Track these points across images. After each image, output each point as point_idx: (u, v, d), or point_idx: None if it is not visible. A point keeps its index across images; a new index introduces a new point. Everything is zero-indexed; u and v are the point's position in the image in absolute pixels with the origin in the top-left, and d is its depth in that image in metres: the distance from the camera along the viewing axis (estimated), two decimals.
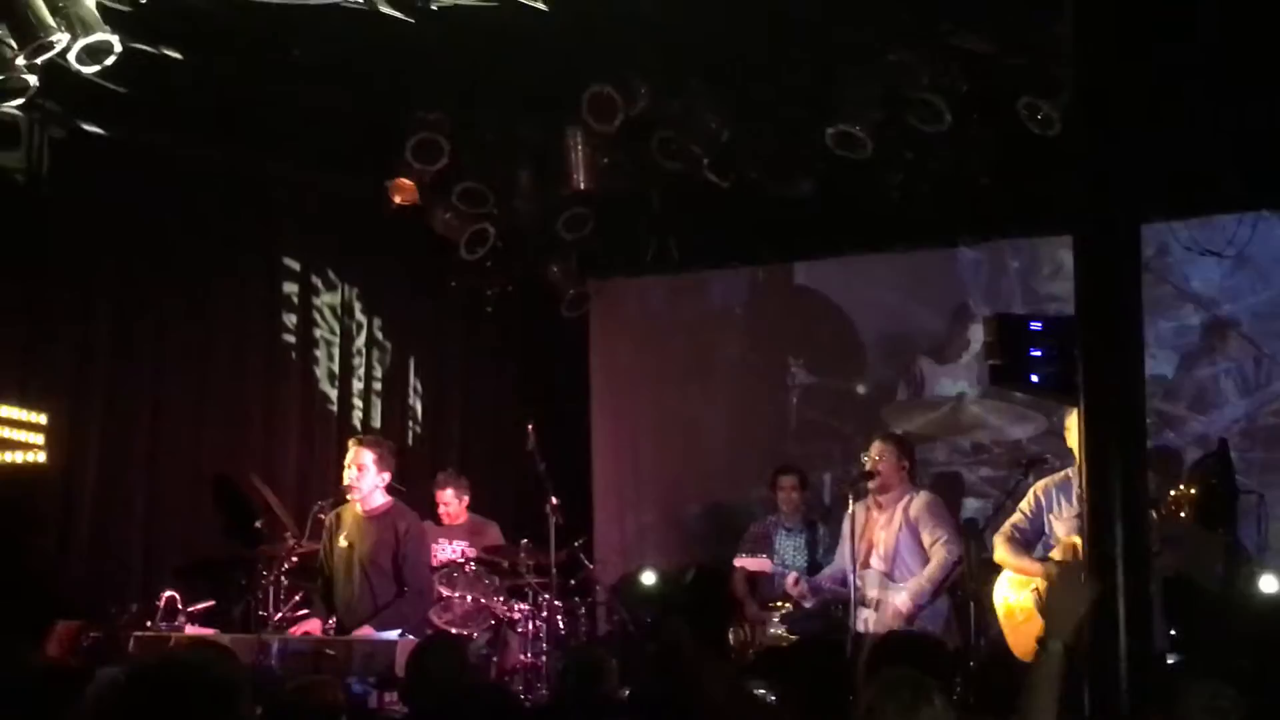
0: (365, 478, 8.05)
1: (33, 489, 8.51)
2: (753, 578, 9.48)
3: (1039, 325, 6.19)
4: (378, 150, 9.59)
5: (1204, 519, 7.86)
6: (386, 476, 8.12)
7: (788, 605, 8.96)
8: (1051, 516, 7.83)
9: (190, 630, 7.85)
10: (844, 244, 10.71)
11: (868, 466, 8.50)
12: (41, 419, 8.40)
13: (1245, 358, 9.56)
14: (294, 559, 8.57)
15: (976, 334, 9.90)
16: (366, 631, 7.75)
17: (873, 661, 5.29)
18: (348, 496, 8.15)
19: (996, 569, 7.97)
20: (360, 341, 10.70)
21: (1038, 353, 6.11)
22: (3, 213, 8.33)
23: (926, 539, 8.32)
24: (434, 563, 9.13)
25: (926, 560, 8.30)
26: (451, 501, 9.89)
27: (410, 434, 10.93)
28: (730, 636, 9.13)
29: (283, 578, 8.51)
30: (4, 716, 4.76)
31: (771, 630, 8.98)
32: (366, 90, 8.97)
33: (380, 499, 8.14)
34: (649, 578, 10.54)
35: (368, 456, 8.06)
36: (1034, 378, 6.17)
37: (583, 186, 9.71)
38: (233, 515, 9.21)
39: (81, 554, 8.85)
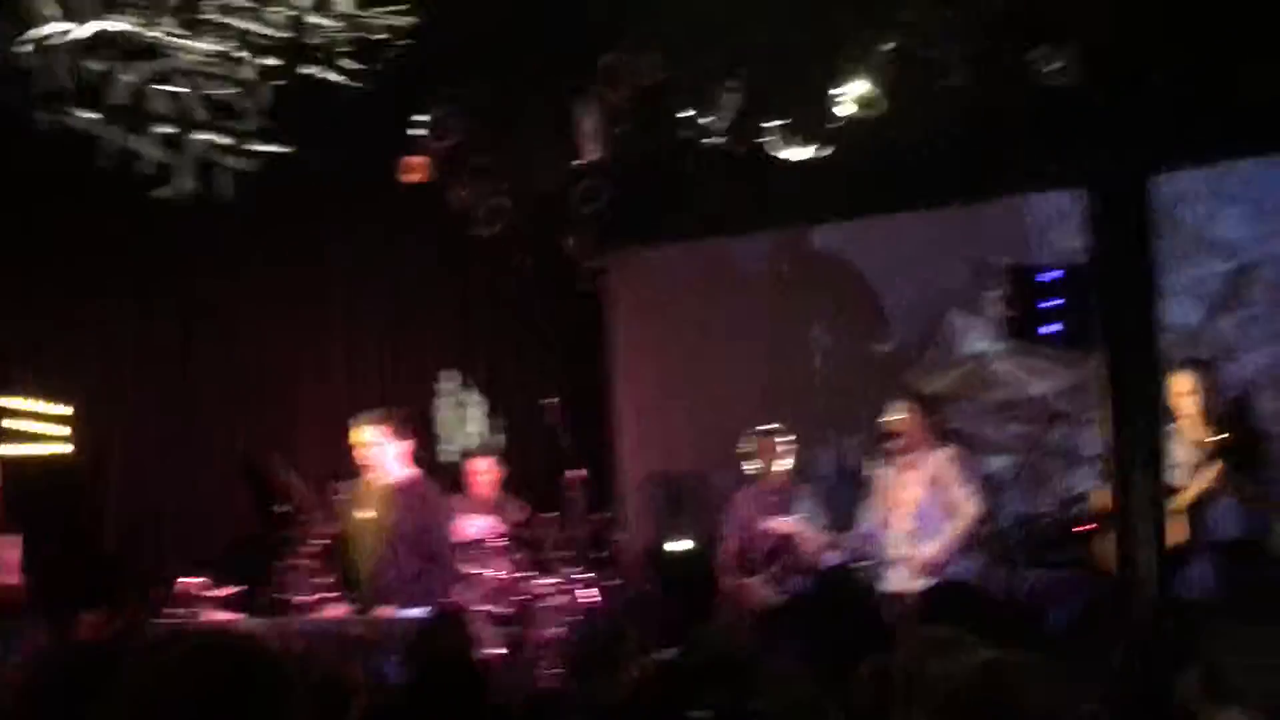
0: (384, 452, 8.01)
1: (60, 478, 8.53)
2: (740, 548, 9.42)
3: (1053, 275, 6.14)
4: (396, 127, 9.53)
5: (1231, 465, 7.80)
6: (406, 444, 8.06)
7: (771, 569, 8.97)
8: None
9: (217, 615, 7.85)
10: (863, 206, 10.64)
11: (891, 428, 8.47)
12: (67, 410, 8.43)
13: (1270, 304, 9.46)
14: (319, 542, 8.57)
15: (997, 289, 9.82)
16: (390, 610, 7.72)
17: (918, 619, 5.26)
18: (367, 477, 8.13)
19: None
20: (385, 323, 10.71)
21: (1053, 303, 6.05)
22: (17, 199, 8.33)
23: (954, 494, 8.27)
24: (461, 538, 9.11)
25: (954, 516, 8.26)
26: (487, 470, 9.85)
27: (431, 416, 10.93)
28: (720, 608, 9.12)
29: (309, 561, 8.50)
30: (40, 693, 4.74)
31: (763, 595, 8.96)
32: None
33: (404, 470, 8.08)
34: (679, 544, 10.51)
35: (381, 431, 8.01)
36: (1050, 328, 6.12)
37: (598, 157, 9.66)
38: (258, 500, 9.22)
39: (107, 542, 8.88)
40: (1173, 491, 7.47)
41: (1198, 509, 7.59)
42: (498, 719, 4.32)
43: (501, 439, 10.78)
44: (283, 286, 10.08)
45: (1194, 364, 8.30)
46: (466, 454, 10.28)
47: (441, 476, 9.31)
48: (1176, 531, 7.73)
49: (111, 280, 9.12)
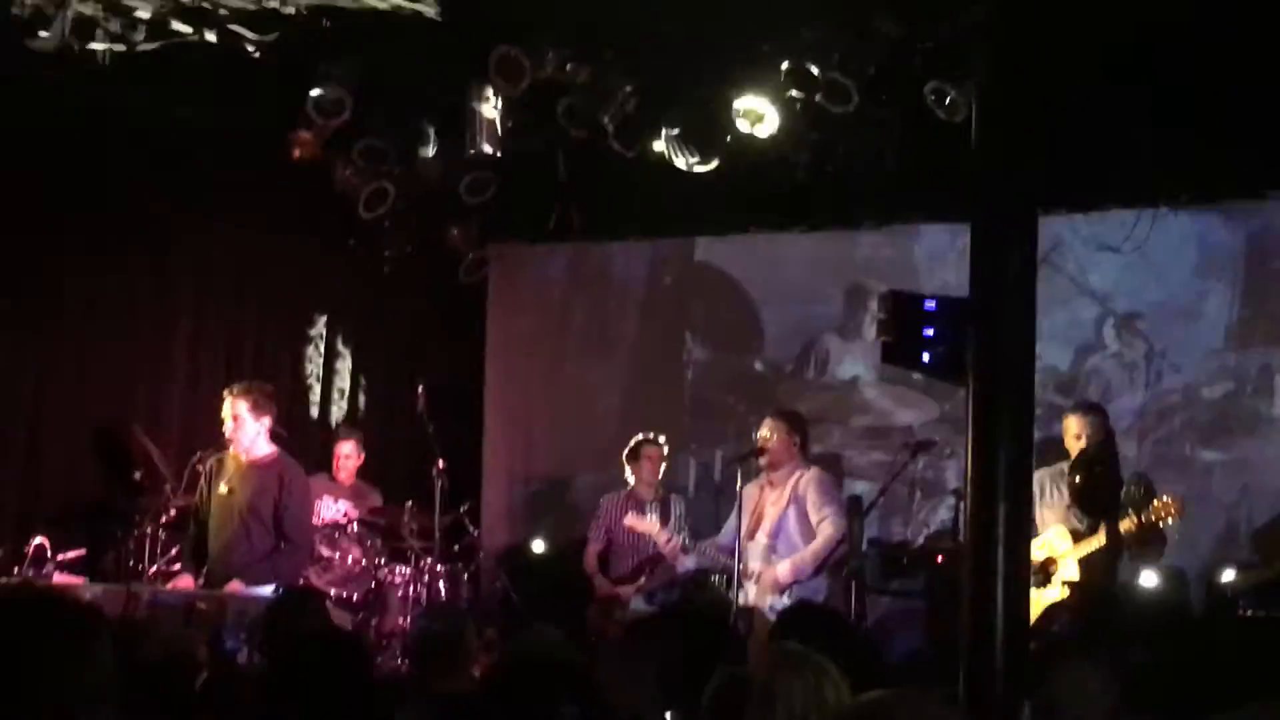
0: (243, 428, 7.87)
1: None
2: (605, 554, 9.46)
3: (932, 305, 6.17)
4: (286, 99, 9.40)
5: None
6: (266, 421, 7.92)
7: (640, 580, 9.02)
8: (1042, 505, 7.95)
9: (58, 578, 7.68)
10: (747, 221, 10.68)
11: (759, 444, 8.50)
12: None
13: (1138, 353, 9.64)
14: (172, 511, 8.42)
15: (874, 315, 9.89)
16: (238, 586, 7.59)
17: (775, 634, 5.27)
18: (230, 449, 8.00)
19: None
20: (255, 294, 10.55)
21: (930, 332, 6.09)
22: None
23: (813, 515, 8.33)
24: (317, 521, 9.00)
25: (812, 537, 8.31)
26: (352, 455, 9.78)
27: (302, 388, 10.78)
28: (588, 615, 9.11)
29: (160, 530, 8.35)
30: None
31: (633, 605, 8.98)
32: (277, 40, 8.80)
33: (264, 447, 7.95)
34: (538, 547, 10.49)
35: (242, 406, 7.86)
36: (925, 357, 6.15)
37: (487, 150, 9.59)
38: (112, 465, 9.04)
39: None
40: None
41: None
42: (359, 695, 4.25)
43: (363, 408, 10.73)
44: (145, 242, 9.85)
45: (1086, 407, 8.49)
46: (333, 431, 10.17)
47: (306, 440, 9.19)
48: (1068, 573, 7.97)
49: None
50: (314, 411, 10.82)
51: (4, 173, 8.80)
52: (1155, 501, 7.86)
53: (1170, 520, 7.83)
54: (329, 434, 10.41)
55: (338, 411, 11.01)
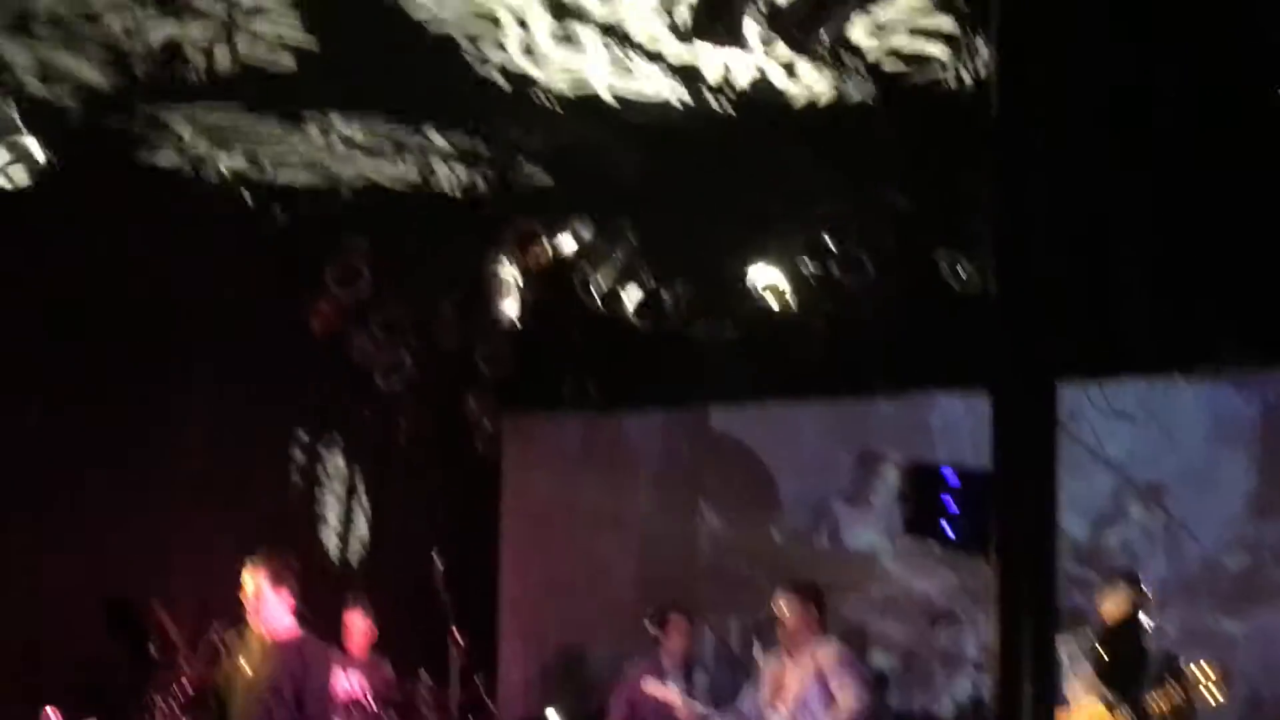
0: (264, 601, 7.79)
1: None
2: None
3: (953, 477, 6.17)
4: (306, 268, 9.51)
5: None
6: (285, 594, 7.83)
7: None
8: (1073, 674, 7.88)
9: None
10: (762, 392, 10.72)
11: (777, 616, 8.45)
12: None
13: (1157, 523, 9.60)
14: (187, 685, 8.32)
15: (891, 483, 9.90)
16: None
17: None
18: (248, 625, 7.91)
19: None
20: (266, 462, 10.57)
21: (951, 504, 6.09)
22: None
23: (834, 687, 8.24)
24: (337, 698, 8.89)
25: (832, 709, 8.22)
26: (364, 628, 9.69)
27: (319, 554, 10.75)
28: None
29: (174, 704, 8.24)
30: None
31: None
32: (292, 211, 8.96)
33: (285, 622, 7.86)
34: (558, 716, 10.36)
35: (261, 577, 7.79)
36: (946, 529, 6.14)
37: (505, 321, 9.68)
38: (126, 636, 8.96)
39: None
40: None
41: None
42: None
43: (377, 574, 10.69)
44: (152, 404, 9.85)
45: (1114, 576, 8.43)
46: (346, 597, 10.08)
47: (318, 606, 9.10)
48: None
49: None
50: (328, 578, 10.75)
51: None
52: (1190, 668, 7.75)
53: (1207, 688, 7.68)
54: (341, 601, 10.32)
55: (352, 573, 10.95)
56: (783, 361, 10.09)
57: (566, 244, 9.25)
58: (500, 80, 7.50)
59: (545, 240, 9.16)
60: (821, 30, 6.01)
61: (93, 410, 9.37)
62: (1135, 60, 7.02)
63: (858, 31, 7.02)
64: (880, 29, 7.18)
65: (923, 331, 9.40)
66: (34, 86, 7.35)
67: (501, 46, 7.27)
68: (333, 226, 9.32)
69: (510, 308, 9.60)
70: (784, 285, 9.11)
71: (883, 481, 10.15)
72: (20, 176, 7.27)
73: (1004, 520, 5.87)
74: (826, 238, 8.93)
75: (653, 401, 11.18)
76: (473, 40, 7.23)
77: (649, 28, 7.04)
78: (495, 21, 7.08)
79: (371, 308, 9.77)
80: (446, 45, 7.20)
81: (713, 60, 7.36)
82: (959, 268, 8.68)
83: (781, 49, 7.17)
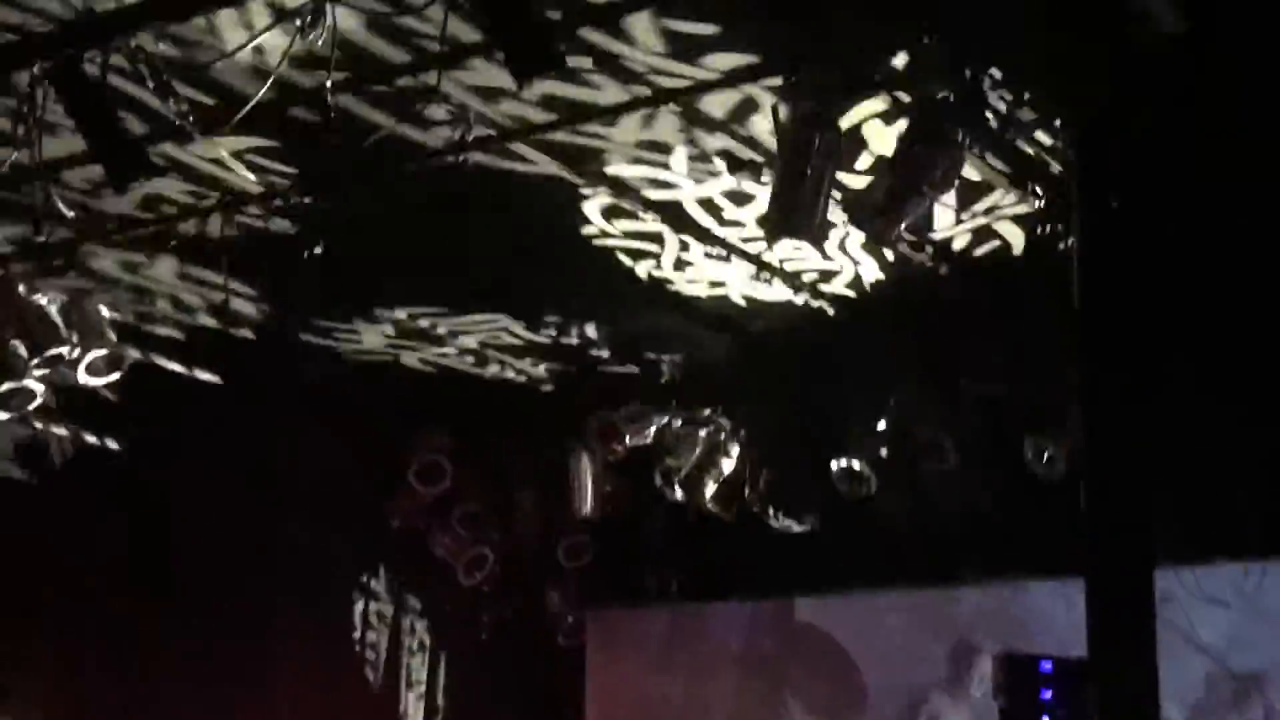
0: None
1: None
2: None
3: (1049, 666, 6.05)
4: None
5: None
6: None
7: None
8: None
9: None
10: (847, 581, 10.59)
11: None
12: None
13: (1256, 712, 9.34)
14: None
15: (983, 674, 9.70)
16: None
17: None
18: None
19: None
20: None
21: (1048, 695, 5.96)
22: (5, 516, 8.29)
23: None
24: None
25: None
26: None
27: None
28: None
29: None
30: None
31: None
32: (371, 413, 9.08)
33: None
34: None
35: None
36: None
37: (586, 513, 9.69)
38: None
39: None
40: None
41: None
42: None
43: None
44: (235, 624, 9.87)
45: None
46: None
47: None
48: None
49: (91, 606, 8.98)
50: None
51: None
52: None
53: None
54: None
55: None
56: (868, 550, 9.99)
57: (648, 434, 9.27)
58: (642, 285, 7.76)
59: (626, 431, 9.19)
60: (901, 220, 6.04)
61: (179, 609, 9.43)
62: (1223, 243, 7.02)
63: (938, 218, 7.08)
64: (959, 215, 7.25)
65: (1010, 517, 9.28)
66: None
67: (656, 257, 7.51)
68: (417, 416, 9.41)
69: (592, 499, 9.61)
70: (868, 473, 9.05)
71: (976, 672, 9.94)
72: (101, 376, 7.41)
73: (1104, 711, 5.74)
74: (910, 424, 8.88)
75: (736, 592, 11.07)
76: (632, 255, 7.49)
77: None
78: (659, 239, 7.39)
79: (454, 501, 9.81)
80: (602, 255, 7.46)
81: (797, 254, 7.50)
82: (1045, 453, 8.60)
83: (862, 238, 7.26)
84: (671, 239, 7.49)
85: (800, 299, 8.11)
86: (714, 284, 8.05)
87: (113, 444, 8.81)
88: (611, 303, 8.22)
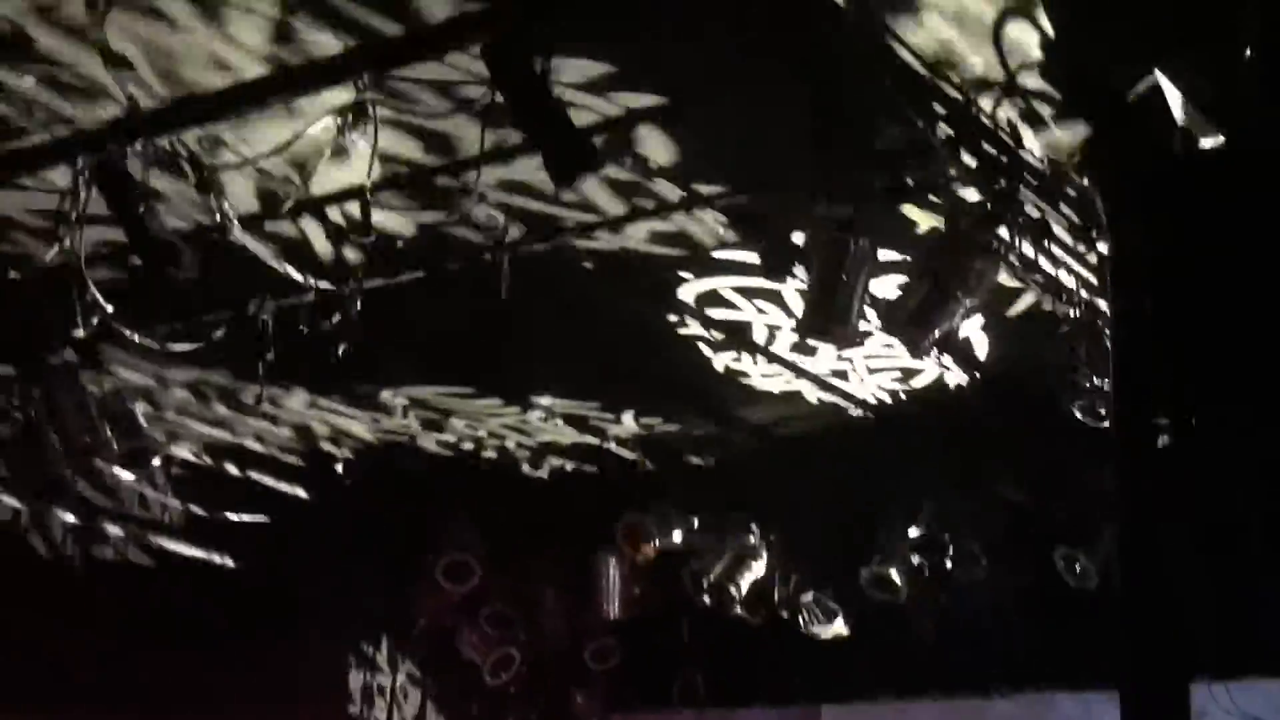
0: None
1: None
2: None
3: None
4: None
5: None
6: None
7: None
8: None
9: None
10: (875, 688, 10.49)
11: None
12: None
13: None
14: None
15: None
16: None
17: None
18: None
19: None
20: None
21: None
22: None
23: None
24: None
25: None
26: None
27: None
28: None
29: None
30: None
31: None
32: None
33: None
34: None
35: None
36: None
37: (614, 615, 9.64)
38: None
39: None
40: None
41: None
42: None
43: None
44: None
45: None
46: None
47: None
48: None
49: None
50: None
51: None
52: None
53: None
54: None
55: None
56: (897, 659, 9.90)
57: (675, 538, 9.24)
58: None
59: (655, 533, 9.16)
60: (932, 331, 6.03)
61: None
62: (1261, 353, 6.98)
63: (969, 328, 7.07)
64: (989, 326, 7.24)
65: (1039, 628, 9.21)
66: None
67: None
68: (444, 507, 9.42)
69: (620, 601, 9.57)
70: (898, 579, 8.99)
71: None
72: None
73: None
74: (940, 532, 8.84)
75: (763, 698, 10.96)
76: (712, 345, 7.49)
77: None
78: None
79: (480, 601, 9.77)
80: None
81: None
82: (1077, 563, 8.54)
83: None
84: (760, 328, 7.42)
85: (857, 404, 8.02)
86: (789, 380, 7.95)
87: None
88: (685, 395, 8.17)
